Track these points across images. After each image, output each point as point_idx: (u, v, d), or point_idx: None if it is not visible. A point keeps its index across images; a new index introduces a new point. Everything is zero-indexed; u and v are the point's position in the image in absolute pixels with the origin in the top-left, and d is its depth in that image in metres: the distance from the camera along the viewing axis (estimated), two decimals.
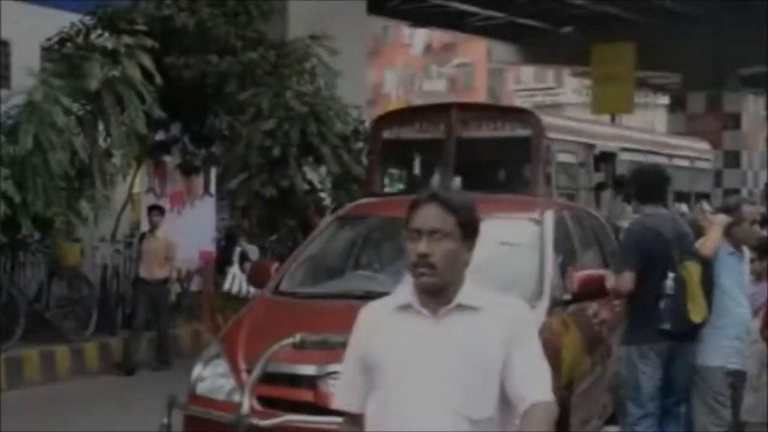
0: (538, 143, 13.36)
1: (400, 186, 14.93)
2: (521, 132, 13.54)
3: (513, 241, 7.84)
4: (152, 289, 14.06)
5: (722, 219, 7.65)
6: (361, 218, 8.77)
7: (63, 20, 15.00)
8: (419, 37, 60.94)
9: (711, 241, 7.47)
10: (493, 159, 14.39)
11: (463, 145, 13.51)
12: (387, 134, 14.10)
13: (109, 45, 13.94)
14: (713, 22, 30.03)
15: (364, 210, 9.06)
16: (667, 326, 7.35)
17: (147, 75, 13.36)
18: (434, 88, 61.13)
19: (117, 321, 14.66)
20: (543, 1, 29.61)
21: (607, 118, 28.97)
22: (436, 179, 13.86)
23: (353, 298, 6.55)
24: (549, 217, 8.05)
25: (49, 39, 14.94)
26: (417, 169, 15.20)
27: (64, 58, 14.25)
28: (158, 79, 13.45)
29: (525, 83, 62.61)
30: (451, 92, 59.33)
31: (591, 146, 15.17)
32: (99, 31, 14.71)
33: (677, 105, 33.80)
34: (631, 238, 7.76)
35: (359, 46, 22.02)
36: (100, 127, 13.47)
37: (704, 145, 21.27)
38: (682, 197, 18.35)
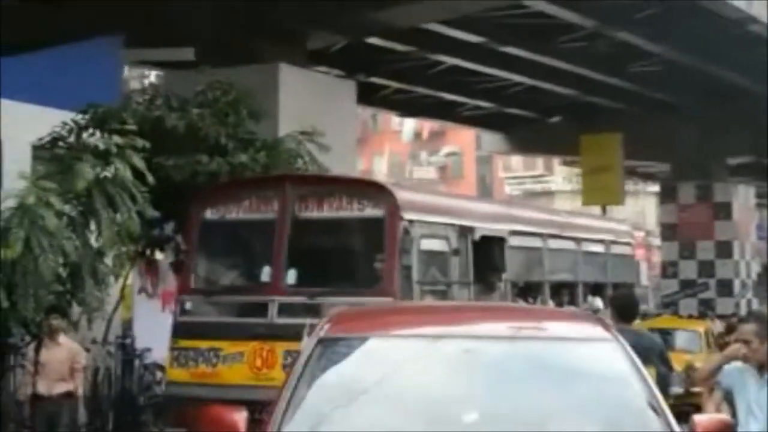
0: (393, 225, 11.15)
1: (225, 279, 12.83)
2: (372, 211, 11.38)
3: (597, 373, 5.60)
4: (52, 406, 12.33)
5: (718, 357, 7.65)
6: (350, 340, 5.81)
7: (54, 119, 14.99)
8: (408, 124, 61.22)
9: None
10: (336, 245, 12.21)
11: (300, 227, 11.59)
12: (209, 215, 12.37)
13: (101, 145, 13.90)
14: (699, 112, 30.25)
15: (351, 328, 6.04)
16: None
17: (138, 175, 13.33)
18: (425, 176, 61.30)
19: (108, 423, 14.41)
20: (530, 92, 29.80)
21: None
22: (266, 272, 11.95)
23: None
24: (622, 337, 5.76)
25: (40, 138, 14.91)
26: (244, 259, 13.14)
27: (55, 158, 14.22)
28: (150, 179, 13.41)
29: (515, 170, 62.89)
30: (441, 180, 59.51)
31: (468, 229, 12.63)
32: (90, 131, 14.70)
33: (668, 195, 33.87)
34: None
35: (349, 137, 22.05)
36: (92, 227, 13.39)
37: (623, 227, 18.90)
38: (596, 290, 16.02)
